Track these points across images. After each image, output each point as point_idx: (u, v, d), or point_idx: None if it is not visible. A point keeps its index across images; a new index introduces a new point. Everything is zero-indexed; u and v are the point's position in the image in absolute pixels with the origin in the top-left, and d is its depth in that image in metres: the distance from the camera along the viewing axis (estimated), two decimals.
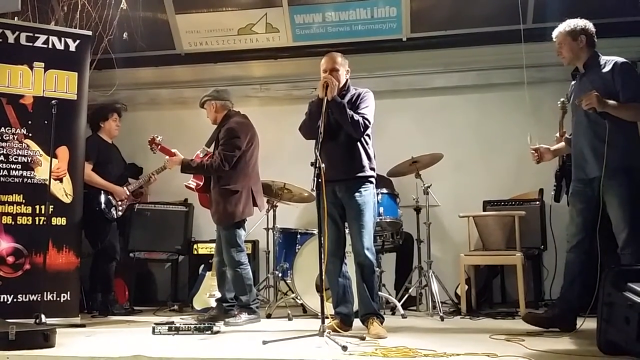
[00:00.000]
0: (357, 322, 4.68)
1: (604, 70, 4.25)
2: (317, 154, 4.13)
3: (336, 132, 4.58)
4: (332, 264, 4.61)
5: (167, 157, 5.37)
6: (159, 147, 5.48)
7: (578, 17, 4.43)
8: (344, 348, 3.61)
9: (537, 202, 6.30)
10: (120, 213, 6.22)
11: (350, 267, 4.69)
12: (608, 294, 3.42)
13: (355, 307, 4.69)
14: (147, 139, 5.53)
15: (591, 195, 4.27)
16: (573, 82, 4.56)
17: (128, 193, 6.28)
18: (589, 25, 4.37)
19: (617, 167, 4.12)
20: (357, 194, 4.53)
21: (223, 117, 5.53)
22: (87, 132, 6.16)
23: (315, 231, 4.57)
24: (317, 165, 4.07)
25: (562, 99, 4.63)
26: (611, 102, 4.10)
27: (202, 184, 5.49)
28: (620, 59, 4.25)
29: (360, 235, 4.50)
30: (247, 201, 5.36)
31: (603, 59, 4.31)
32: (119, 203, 6.20)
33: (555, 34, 4.44)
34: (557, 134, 4.71)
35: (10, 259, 5.25)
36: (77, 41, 5.68)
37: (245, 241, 5.50)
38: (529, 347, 3.63)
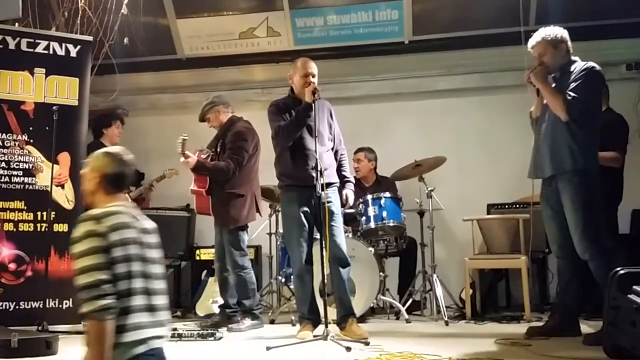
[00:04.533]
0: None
1: (575, 75, 4.25)
2: (317, 158, 4.32)
3: (322, 137, 4.73)
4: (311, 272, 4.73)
5: (183, 159, 5.29)
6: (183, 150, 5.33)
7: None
8: (348, 349, 3.71)
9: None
10: None
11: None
12: (614, 298, 3.40)
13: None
14: (179, 140, 5.34)
15: (554, 198, 4.30)
16: None
17: (129, 200, 6.25)
18: (564, 31, 4.38)
19: (571, 169, 4.15)
20: (335, 197, 4.74)
21: (227, 121, 5.54)
22: (89, 138, 6.16)
23: (318, 236, 4.61)
24: (319, 169, 4.19)
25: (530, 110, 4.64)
26: (547, 84, 4.24)
27: (206, 187, 5.46)
28: (592, 65, 4.24)
29: (340, 236, 4.65)
30: (251, 206, 5.41)
31: (579, 64, 4.30)
32: None
33: (533, 43, 4.40)
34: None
35: (12, 266, 5.23)
36: (78, 47, 5.67)
37: (248, 246, 5.51)
38: (535, 352, 3.61)
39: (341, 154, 5.03)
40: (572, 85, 4.17)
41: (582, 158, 4.14)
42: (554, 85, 4.34)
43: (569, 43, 4.36)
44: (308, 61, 4.81)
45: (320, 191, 4.26)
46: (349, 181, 5.05)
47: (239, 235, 5.35)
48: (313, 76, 4.70)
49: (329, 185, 4.64)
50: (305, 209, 4.65)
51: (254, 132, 5.51)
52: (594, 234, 4.09)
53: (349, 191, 5.01)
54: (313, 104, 4.51)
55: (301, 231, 4.65)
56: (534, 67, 4.33)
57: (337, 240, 4.59)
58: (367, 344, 3.93)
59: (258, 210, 5.47)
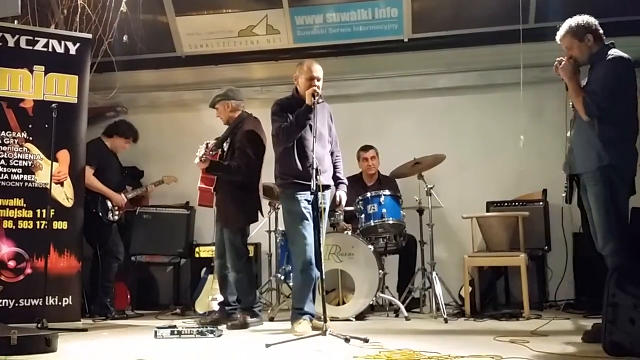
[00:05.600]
0: (358, 324, 4.67)
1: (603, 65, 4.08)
2: (314, 157, 4.36)
3: (324, 139, 4.81)
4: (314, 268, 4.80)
5: (198, 161, 5.22)
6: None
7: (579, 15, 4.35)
8: (347, 340, 3.80)
9: (541, 203, 6.27)
10: (116, 217, 6.29)
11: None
12: (612, 295, 3.40)
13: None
14: (203, 145, 5.31)
15: (585, 192, 4.19)
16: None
17: (125, 200, 6.36)
18: (590, 19, 4.20)
19: (595, 165, 4.01)
20: (327, 201, 4.84)
21: (236, 118, 5.54)
22: (92, 135, 6.17)
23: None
24: (315, 167, 4.28)
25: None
26: (574, 80, 4.09)
27: (214, 185, 5.45)
28: (616, 54, 4.06)
29: (323, 242, 4.73)
30: (257, 205, 5.43)
31: (610, 53, 4.10)
32: (115, 208, 6.24)
33: (559, 36, 4.25)
34: (568, 134, 4.63)
35: (11, 264, 5.22)
36: (77, 44, 5.65)
37: (248, 244, 5.50)
38: (534, 349, 3.61)
39: (336, 156, 5.13)
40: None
41: (606, 155, 3.97)
42: (586, 78, 4.21)
43: (599, 31, 4.17)
44: (314, 64, 4.87)
45: (314, 188, 4.27)
46: (342, 183, 5.15)
47: (241, 235, 5.36)
48: (318, 80, 4.79)
49: (326, 187, 4.69)
50: (308, 206, 4.72)
51: (263, 132, 5.48)
52: (617, 232, 3.95)
53: (343, 192, 5.13)
54: (313, 107, 4.56)
55: (306, 226, 4.73)
56: (561, 58, 4.17)
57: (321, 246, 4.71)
58: (367, 341, 3.92)
59: (261, 211, 5.48)
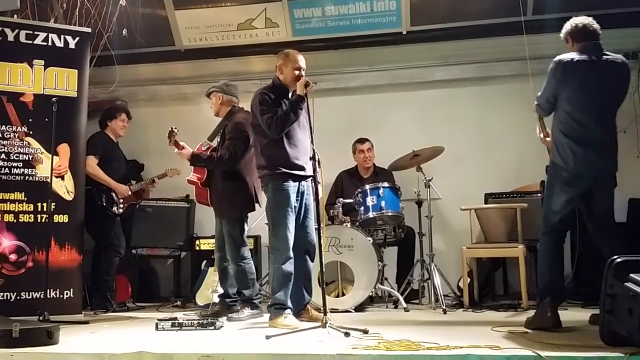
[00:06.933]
0: (357, 316, 4.68)
1: None
2: (315, 149, 4.38)
3: (306, 129, 4.76)
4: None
5: (176, 150, 5.30)
6: (173, 140, 5.30)
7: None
8: (347, 334, 3.76)
9: (539, 194, 6.26)
10: (121, 210, 6.29)
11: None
12: (610, 286, 3.42)
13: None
14: (168, 130, 5.26)
15: None
16: None
17: (130, 192, 6.36)
18: (573, 22, 4.33)
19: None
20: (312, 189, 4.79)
21: (227, 112, 5.55)
22: (92, 129, 6.19)
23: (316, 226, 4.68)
24: (317, 159, 4.32)
25: (536, 102, 4.62)
26: None
27: (204, 178, 5.48)
28: (559, 57, 4.23)
29: (314, 229, 4.77)
30: (250, 197, 5.41)
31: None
32: (121, 200, 6.25)
33: None
34: (541, 135, 4.70)
35: (12, 257, 5.26)
36: (77, 38, 5.67)
37: (247, 236, 5.52)
38: (532, 339, 3.63)
39: None
40: None
41: (555, 151, 4.27)
42: None
43: (575, 32, 4.30)
44: (299, 54, 4.92)
45: (319, 180, 4.31)
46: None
47: (238, 226, 5.36)
48: (304, 70, 4.82)
49: (309, 177, 4.73)
50: (296, 198, 4.76)
51: None
52: (545, 222, 4.33)
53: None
54: (306, 97, 4.59)
55: (292, 220, 4.74)
56: None
57: (313, 233, 4.82)
58: (366, 332, 3.94)
59: (257, 201, 5.46)
